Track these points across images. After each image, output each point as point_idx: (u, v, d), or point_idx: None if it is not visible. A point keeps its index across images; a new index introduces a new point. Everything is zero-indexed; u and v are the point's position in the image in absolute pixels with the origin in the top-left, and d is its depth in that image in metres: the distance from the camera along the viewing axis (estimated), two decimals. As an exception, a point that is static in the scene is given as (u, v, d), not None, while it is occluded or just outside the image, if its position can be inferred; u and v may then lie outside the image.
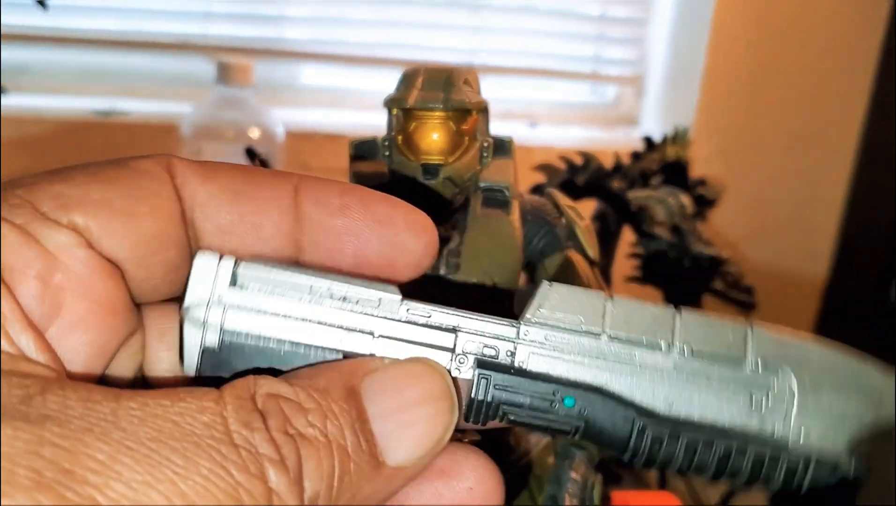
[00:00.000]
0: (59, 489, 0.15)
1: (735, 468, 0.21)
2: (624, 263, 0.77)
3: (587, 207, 0.80)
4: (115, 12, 1.15)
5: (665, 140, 0.86)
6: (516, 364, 0.21)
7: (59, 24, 1.12)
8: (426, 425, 0.19)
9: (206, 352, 0.20)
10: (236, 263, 0.21)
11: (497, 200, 0.42)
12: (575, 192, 0.74)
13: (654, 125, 1.25)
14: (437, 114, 0.39)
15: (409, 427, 0.19)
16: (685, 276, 0.71)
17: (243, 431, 0.17)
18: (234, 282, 0.21)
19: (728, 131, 1.25)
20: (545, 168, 0.76)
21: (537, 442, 0.45)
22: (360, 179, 0.42)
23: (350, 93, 1.22)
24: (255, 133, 0.98)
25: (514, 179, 0.43)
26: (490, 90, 0.42)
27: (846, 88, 1.27)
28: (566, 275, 0.41)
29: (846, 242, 1.33)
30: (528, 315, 0.21)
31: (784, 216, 1.31)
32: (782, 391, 0.21)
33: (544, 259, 0.42)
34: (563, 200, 0.44)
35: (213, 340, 0.20)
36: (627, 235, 0.77)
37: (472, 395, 0.21)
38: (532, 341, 0.21)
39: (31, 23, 1.11)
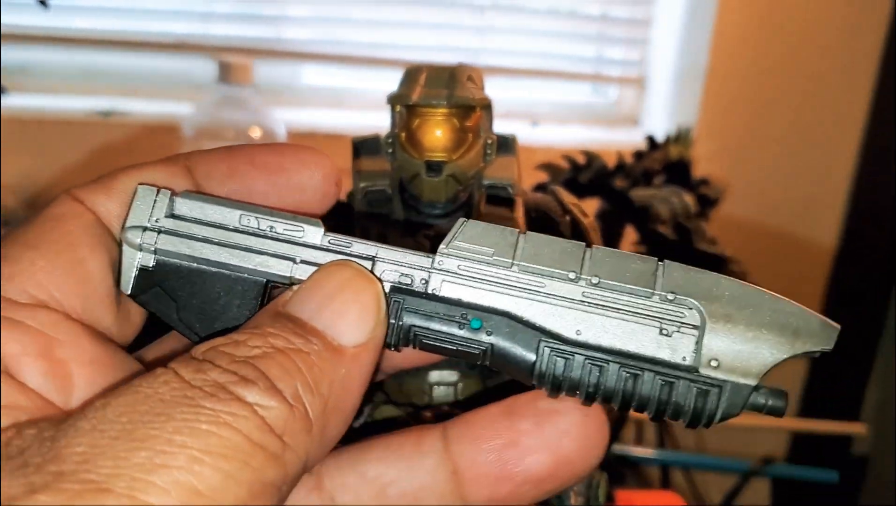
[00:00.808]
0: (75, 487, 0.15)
1: (643, 395, 0.21)
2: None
3: (590, 207, 0.80)
4: (115, 12, 1.15)
5: (668, 139, 0.86)
6: (429, 291, 0.22)
7: (60, 25, 1.12)
8: (357, 302, 0.21)
9: (141, 272, 0.22)
10: (173, 194, 0.22)
11: (501, 197, 0.42)
12: (578, 191, 0.74)
13: (656, 125, 1.25)
14: (441, 110, 0.39)
15: (344, 311, 0.21)
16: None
17: (197, 375, 0.18)
18: (170, 211, 0.22)
19: (731, 131, 1.25)
20: (548, 167, 0.75)
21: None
22: (363, 176, 0.42)
23: (351, 93, 1.22)
24: (256, 133, 0.98)
25: (518, 176, 0.43)
26: (492, 91, 0.42)
27: (849, 88, 1.27)
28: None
29: (849, 241, 1.33)
30: (441, 246, 0.22)
31: (787, 215, 1.31)
32: (692, 322, 0.21)
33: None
34: (568, 197, 0.44)
35: (147, 261, 0.22)
36: (630, 234, 0.77)
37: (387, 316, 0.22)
38: (445, 270, 0.22)
39: (31, 23, 1.11)
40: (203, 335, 0.22)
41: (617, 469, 0.93)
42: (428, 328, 0.22)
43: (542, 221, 0.43)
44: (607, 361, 0.21)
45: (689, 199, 0.74)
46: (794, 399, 1.41)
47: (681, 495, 0.84)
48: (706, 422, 0.21)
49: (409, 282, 0.22)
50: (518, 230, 0.22)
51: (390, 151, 0.41)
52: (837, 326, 0.22)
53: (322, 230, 0.22)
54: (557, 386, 0.21)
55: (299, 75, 1.23)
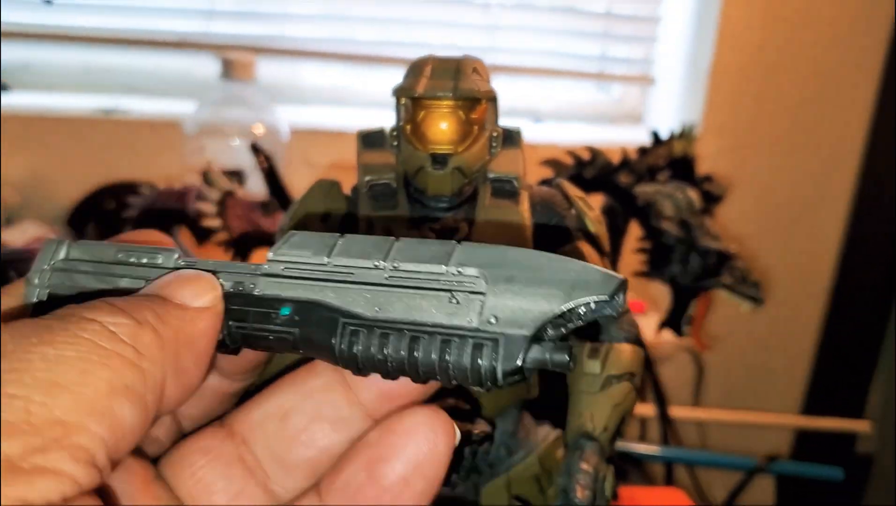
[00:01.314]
0: None
1: (428, 360, 0.22)
2: (631, 257, 0.77)
3: (594, 202, 0.79)
4: (118, 9, 1.15)
5: (672, 136, 0.85)
6: (255, 293, 0.24)
7: (62, 22, 1.12)
8: (194, 279, 0.23)
9: (35, 306, 0.25)
10: (69, 243, 0.26)
11: (506, 190, 0.41)
12: (582, 186, 0.74)
13: (660, 122, 1.25)
14: (447, 102, 0.39)
15: (183, 284, 0.23)
16: (693, 271, 0.71)
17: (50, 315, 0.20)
18: (66, 256, 0.26)
19: (735, 129, 1.25)
20: (552, 163, 0.75)
21: (545, 437, 0.45)
22: (368, 169, 0.42)
23: (355, 90, 1.22)
24: (259, 130, 0.98)
25: (524, 169, 0.42)
26: (497, 88, 0.41)
27: (853, 86, 1.27)
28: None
29: (853, 239, 1.33)
30: (269, 254, 0.24)
31: (791, 213, 1.31)
32: (476, 288, 0.22)
33: (554, 250, 0.41)
34: (573, 190, 0.44)
35: (42, 296, 0.25)
36: (635, 230, 0.77)
37: None
38: (269, 274, 0.24)
39: (33, 20, 1.11)
40: None
41: (620, 466, 0.92)
42: (244, 321, 0.23)
43: (548, 214, 0.42)
44: (394, 328, 0.22)
45: (693, 195, 0.74)
46: (798, 396, 1.41)
47: (685, 492, 0.84)
48: (490, 378, 0.21)
49: (241, 288, 0.24)
50: (338, 235, 0.24)
51: (395, 143, 0.41)
52: (621, 277, 0.21)
53: (175, 254, 0.25)
54: (354, 360, 0.22)
55: (302, 73, 1.23)
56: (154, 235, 0.28)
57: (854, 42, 1.24)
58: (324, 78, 1.24)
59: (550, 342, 0.21)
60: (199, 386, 0.23)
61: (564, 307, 0.21)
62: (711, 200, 0.84)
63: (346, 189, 0.44)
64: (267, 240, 0.67)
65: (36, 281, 0.25)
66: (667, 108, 1.29)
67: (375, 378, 0.23)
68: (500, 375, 0.21)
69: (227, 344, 0.24)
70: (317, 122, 1.15)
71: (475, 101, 0.39)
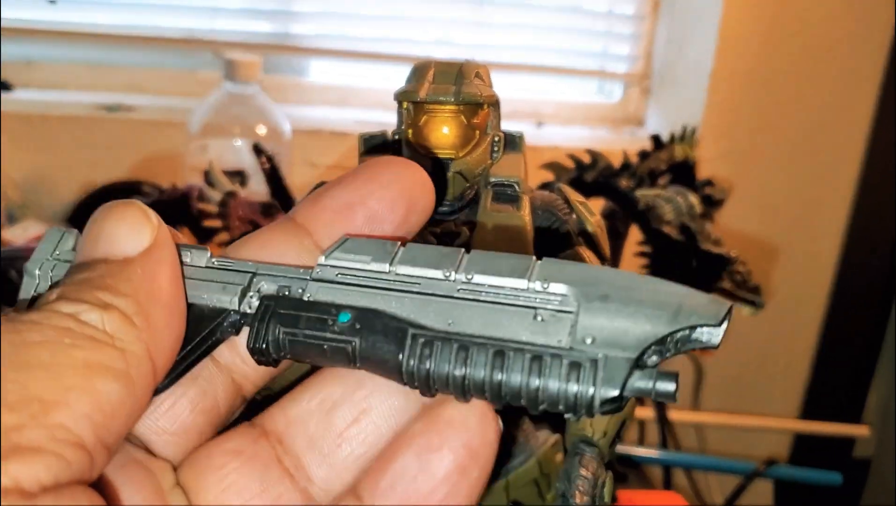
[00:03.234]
0: None
1: (513, 381, 0.19)
2: (632, 261, 0.77)
3: (595, 206, 0.79)
4: (121, 7, 1.15)
5: (673, 139, 0.86)
6: (304, 298, 0.22)
7: (65, 19, 1.12)
8: (122, 220, 0.21)
9: (34, 298, 0.23)
10: (77, 233, 0.23)
11: (507, 195, 0.41)
12: (583, 190, 0.74)
13: (660, 126, 1.25)
14: (449, 107, 0.39)
15: (114, 234, 0.21)
16: (693, 275, 0.71)
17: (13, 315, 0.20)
18: (73, 247, 0.23)
19: (735, 132, 1.25)
20: (553, 166, 0.75)
21: (544, 441, 0.45)
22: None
23: (358, 90, 1.22)
24: (261, 130, 0.98)
25: (525, 174, 0.43)
26: (498, 89, 0.41)
27: (854, 90, 1.27)
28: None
29: (853, 244, 1.33)
30: (320, 258, 0.22)
31: (791, 217, 1.31)
32: (568, 306, 0.20)
33: (554, 254, 0.42)
34: (574, 195, 0.44)
35: (42, 288, 0.23)
36: (635, 234, 0.77)
37: (255, 321, 0.22)
38: (322, 279, 0.22)
39: (36, 17, 1.11)
40: None
41: (619, 470, 0.93)
42: (297, 328, 0.21)
43: (549, 218, 0.42)
44: (474, 340, 0.20)
45: (693, 199, 0.74)
46: (796, 400, 1.41)
47: (683, 495, 0.84)
48: (587, 406, 0.19)
49: (287, 293, 0.22)
50: (399, 242, 0.22)
51: (397, 147, 0.41)
52: (727, 302, 0.19)
53: (207, 252, 0.23)
54: (426, 378, 0.20)
55: (305, 72, 1.23)
56: (370, 183, 0.24)
57: (854, 46, 1.24)
58: (327, 77, 1.24)
59: (654, 369, 0.19)
60: (181, 334, 0.21)
61: (669, 330, 0.19)
62: (712, 204, 0.84)
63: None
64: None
65: (37, 271, 0.23)
66: (666, 112, 1.29)
67: None
68: (597, 402, 0.19)
69: (270, 353, 0.21)
70: (319, 122, 1.15)
71: (477, 106, 0.39)
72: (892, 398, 1.40)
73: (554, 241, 0.42)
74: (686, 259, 0.71)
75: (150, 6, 1.16)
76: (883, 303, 1.38)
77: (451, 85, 0.39)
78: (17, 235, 0.93)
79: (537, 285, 0.20)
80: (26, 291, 0.23)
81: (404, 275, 0.21)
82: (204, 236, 0.66)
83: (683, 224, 0.72)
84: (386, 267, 0.21)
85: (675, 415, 1.10)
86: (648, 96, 1.32)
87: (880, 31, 1.24)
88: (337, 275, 0.22)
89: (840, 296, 1.35)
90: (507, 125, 0.42)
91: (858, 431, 1.32)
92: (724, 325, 0.19)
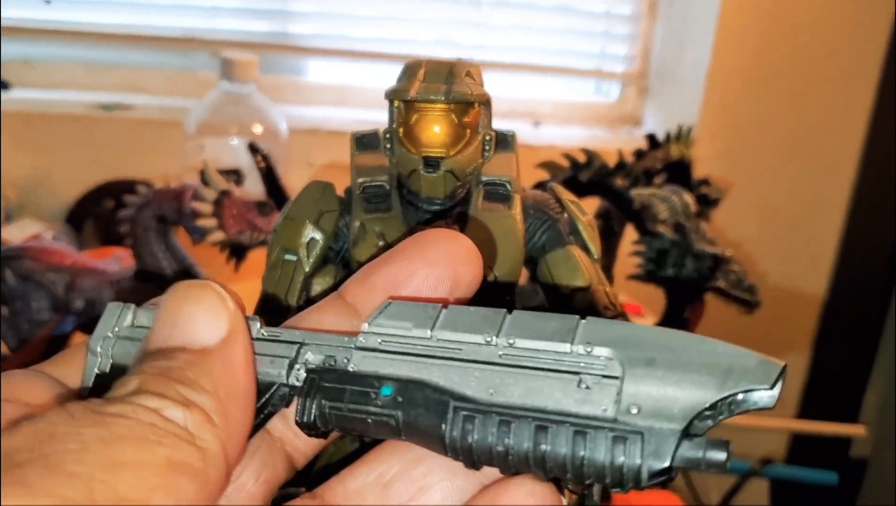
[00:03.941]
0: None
1: (557, 452, 0.19)
2: (627, 261, 0.77)
3: (590, 205, 0.80)
4: (119, 6, 1.15)
5: (668, 139, 0.86)
6: (349, 368, 0.22)
7: (63, 19, 1.12)
8: (200, 307, 0.21)
9: (98, 376, 0.23)
10: (135, 308, 0.24)
11: (499, 194, 0.41)
12: (578, 189, 0.74)
13: (657, 125, 1.25)
14: (439, 106, 0.39)
15: (191, 321, 0.21)
16: (688, 274, 0.71)
17: (96, 402, 0.19)
18: (132, 322, 0.24)
19: (732, 132, 1.25)
20: (548, 165, 0.75)
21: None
22: (361, 171, 0.42)
23: (354, 89, 1.22)
24: (258, 129, 0.98)
25: (517, 173, 0.43)
26: (495, 89, 0.41)
27: (851, 90, 1.27)
28: (566, 270, 0.41)
29: (850, 243, 1.33)
30: (364, 325, 0.22)
31: (787, 216, 1.31)
32: (612, 372, 0.19)
33: (546, 254, 0.42)
34: (566, 195, 0.44)
35: (105, 366, 0.23)
36: (630, 234, 0.77)
37: (302, 395, 0.22)
38: (366, 347, 0.22)
39: (34, 17, 1.11)
40: None
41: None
42: (341, 401, 0.21)
43: (540, 217, 0.42)
44: (516, 414, 0.19)
45: (688, 198, 0.74)
46: (793, 400, 1.41)
47: (679, 494, 0.84)
48: (634, 479, 0.18)
49: (334, 363, 0.22)
50: (442, 305, 0.22)
51: (388, 146, 0.41)
52: (781, 363, 0.19)
53: (257, 324, 0.23)
54: (468, 451, 0.20)
55: (302, 72, 1.23)
56: (417, 262, 0.25)
57: (851, 46, 1.24)
58: (324, 77, 1.24)
59: (703, 437, 0.19)
60: (251, 423, 0.21)
61: (718, 398, 0.18)
62: (708, 203, 0.84)
63: (344, 189, 0.44)
64: (262, 240, 0.67)
65: (98, 349, 0.23)
66: (663, 112, 1.29)
67: None
68: (644, 475, 0.18)
69: (318, 426, 0.22)
70: (316, 121, 1.15)
71: (468, 105, 0.39)
72: (889, 398, 1.40)
73: (545, 240, 0.42)
74: (681, 258, 0.71)
75: (148, 6, 1.16)
76: (880, 302, 1.39)
77: (441, 84, 0.39)
78: (14, 234, 0.93)
79: (580, 349, 0.20)
80: (90, 369, 0.23)
81: (446, 340, 0.21)
82: (198, 236, 0.66)
83: (678, 223, 0.72)
84: (427, 333, 0.21)
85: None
86: (645, 96, 1.32)
87: (877, 31, 1.24)
88: (380, 342, 0.22)
89: (837, 296, 1.35)
90: (504, 124, 0.42)
91: (855, 431, 1.32)
92: (779, 386, 0.19)
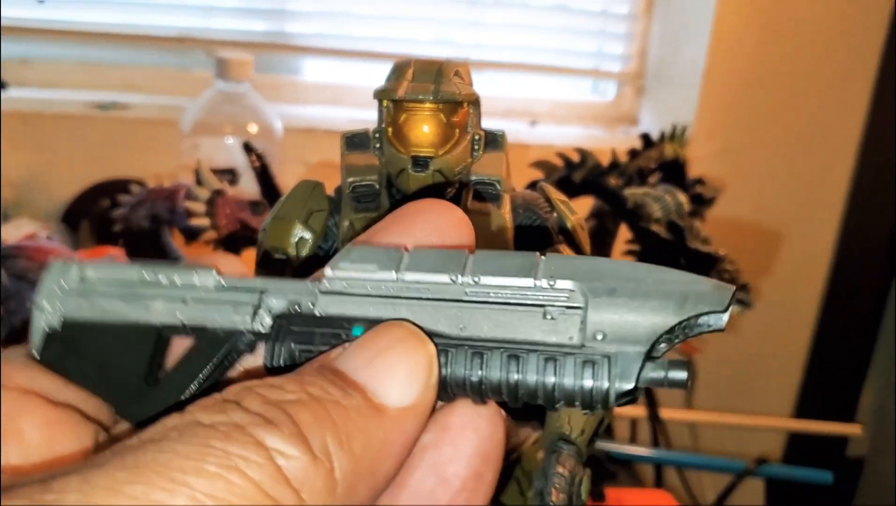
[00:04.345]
0: None
1: (528, 381, 0.20)
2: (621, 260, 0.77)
3: (584, 205, 0.80)
4: (115, 6, 1.15)
5: (663, 138, 0.86)
6: (316, 313, 0.22)
7: (60, 18, 1.12)
8: (407, 362, 0.20)
9: (48, 335, 0.23)
10: (80, 263, 0.23)
11: (488, 193, 0.41)
12: (572, 189, 0.74)
13: (654, 124, 1.25)
14: (428, 105, 0.39)
15: (391, 369, 0.19)
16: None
17: (216, 416, 0.17)
18: (79, 277, 0.23)
19: (729, 131, 1.25)
20: (542, 165, 0.75)
21: (527, 437, 0.45)
22: (351, 171, 0.42)
23: (350, 89, 1.22)
24: (253, 128, 0.98)
25: (507, 173, 0.43)
26: (492, 88, 0.42)
27: (847, 89, 1.27)
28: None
29: (846, 243, 1.33)
30: (327, 270, 0.22)
31: (783, 216, 1.31)
32: (575, 302, 0.20)
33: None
34: (555, 194, 0.44)
35: (53, 322, 0.23)
36: (624, 233, 0.77)
37: (271, 341, 0.22)
38: (331, 292, 0.22)
39: (31, 17, 1.11)
40: (99, 385, 0.22)
41: (610, 468, 0.93)
42: (311, 343, 0.21)
43: (529, 217, 0.43)
44: (488, 346, 0.20)
45: (682, 198, 0.74)
46: (790, 399, 1.41)
47: (674, 494, 0.84)
48: (602, 400, 0.19)
49: (299, 308, 0.22)
50: (403, 247, 0.22)
51: (378, 145, 0.41)
52: (731, 287, 0.20)
53: (212, 273, 0.23)
54: (443, 383, 0.20)
55: (298, 71, 1.23)
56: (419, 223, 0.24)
57: (848, 45, 1.24)
58: (319, 76, 1.24)
59: (665, 359, 0.20)
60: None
61: (678, 320, 0.20)
62: (703, 202, 0.84)
63: (334, 188, 0.44)
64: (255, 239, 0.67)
65: (45, 304, 0.23)
66: (659, 111, 1.29)
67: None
68: (612, 396, 0.19)
69: (288, 370, 0.21)
70: (311, 120, 1.15)
71: (457, 105, 0.39)
72: (886, 397, 1.40)
73: (534, 238, 0.42)
74: (674, 257, 0.71)
75: (144, 5, 1.16)
76: (877, 302, 1.39)
77: (430, 83, 0.39)
78: (11, 233, 0.93)
79: (544, 283, 0.21)
80: (37, 328, 0.23)
81: (412, 281, 0.21)
82: (191, 235, 0.66)
83: (672, 222, 0.72)
84: (392, 275, 0.21)
85: (667, 414, 1.10)
86: (642, 95, 1.32)
87: (873, 30, 1.24)
88: (346, 286, 0.22)
89: (834, 295, 1.35)
90: (501, 124, 0.42)
91: (852, 430, 1.32)
92: (730, 310, 0.20)
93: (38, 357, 0.23)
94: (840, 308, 1.36)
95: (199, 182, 0.68)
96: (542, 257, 0.21)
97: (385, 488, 0.19)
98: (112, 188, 1.00)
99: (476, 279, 0.21)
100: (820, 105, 1.27)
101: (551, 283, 0.20)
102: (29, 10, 1.11)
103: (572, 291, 0.20)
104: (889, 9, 1.22)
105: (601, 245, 0.77)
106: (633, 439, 1.10)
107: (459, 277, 0.21)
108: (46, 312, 0.23)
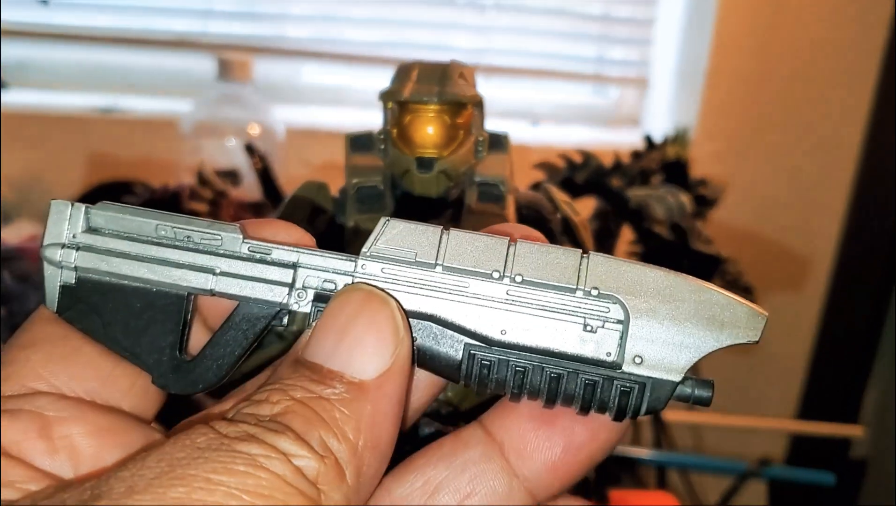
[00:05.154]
0: None
1: (568, 393, 0.21)
2: (623, 261, 0.77)
3: (587, 206, 0.79)
4: (116, 8, 1.15)
5: (665, 140, 0.86)
6: None
7: (61, 21, 1.12)
8: (371, 329, 0.20)
9: (63, 289, 0.22)
10: (87, 208, 0.22)
11: (492, 194, 0.41)
12: (574, 190, 0.74)
13: (656, 126, 1.25)
14: (432, 107, 0.39)
15: (359, 343, 0.20)
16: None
17: (230, 427, 0.18)
18: (87, 225, 0.22)
19: (731, 133, 1.25)
20: (545, 166, 0.75)
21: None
22: (355, 172, 0.42)
23: (351, 91, 1.22)
24: (255, 130, 0.98)
25: (510, 174, 0.43)
26: (493, 90, 0.42)
27: (849, 90, 1.27)
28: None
29: (849, 244, 1.33)
30: (364, 249, 0.22)
31: (786, 217, 1.31)
32: (616, 317, 0.21)
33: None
34: (559, 195, 0.44)
35: (69, 278, 0.22)
36: (627, 234, 0.77)
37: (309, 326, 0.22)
38: (369, 274, 0.21)
39: (32, 19, 1.11)
40: (131, 351, 0.22)
41: (613, 469, 0.93)
42: None
43: (533, 218, 0.43)
44: (531, 362, 0.21)
45: (684, 199, 0.74)
46: (792, 401, 1.41)
47: (677, 495, 0.84)
48: (632, 415, 0.21)
49: (333, 287, 0.22)
50: (441, 228, 0.22)
51: (382, 147, 0.41)
52: (765, 313, 0.21)
53: (241, 237, 0.22)
54: (484, 385, 0.21)
55: (299, 73, 1.23)
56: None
57: (850, 46, 1.24)
58: (320, 78, 1.24)
59: (694, 380, 0.21)
60: (381, 474, 0.20)
61: (713, 350, 0.21)
62: (706, 203, 0.84)
63: (339, 189, 0.44)
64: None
65: (58, 258, 0.22)
66: (662, 112, 1.29)
67: (538, 449, 0.21)
68: (642, 413, 0.21)
69: None
70: (312, 122, 1.15)
71: (461, 106, 0.39)
72: (889, 399, 1.40)
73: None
74: (677, 259, 0.71)
75: (145, 8, 1.16)
76: (879, 303, 1.38)
77: (434, 85, 0.39)
78: (11, 235, 0.93)
79: (586, 292, 0.21)
80: (51, 282, 0.22)
81: (452, 273, 0.21)
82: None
83: (675, 223, 0.72)
84: (433, 263, 0.21)
85: (670, 415, 1.10)
86: (644, 97, 1.32)
87: (875, 30, 1.24)
88: (382, 270, 0.22)
89: (836, 296, 1.35)
90: (503, 125, 0.42)
91: (854, 431, 1.32)
92: (762, 334, 0.21)
93: (56, 312, 0.22)
94: (842, 309, 1.36)
95: (201, 183, 0.68)
96: (586, 258, 0.21)
97: (393, 445, 0.20)
98: (114, 190, 1.00)
99: (519, 278, 0.21)
100: (822, 106, 1.27)
101: (595, 293, 0.21)
102: (31, 12, 1.11)
103: (614, 304, 0.21)
104: (891, 10, 1.22)
105: (604, 246, 0.77)
106: (635, 441, 1.10)
107: (503, 273, 0.21)
108: (57, 265, 0.22)
